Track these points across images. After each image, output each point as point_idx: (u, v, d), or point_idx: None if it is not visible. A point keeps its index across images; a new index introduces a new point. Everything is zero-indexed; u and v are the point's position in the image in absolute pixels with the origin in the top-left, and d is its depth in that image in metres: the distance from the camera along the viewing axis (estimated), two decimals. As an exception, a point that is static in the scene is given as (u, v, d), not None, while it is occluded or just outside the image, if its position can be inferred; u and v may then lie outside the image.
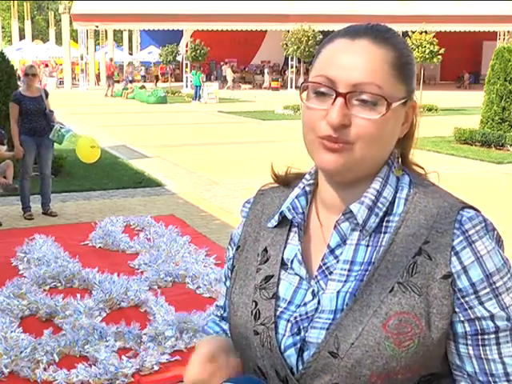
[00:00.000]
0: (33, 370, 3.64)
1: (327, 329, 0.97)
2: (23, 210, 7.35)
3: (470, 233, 0.96)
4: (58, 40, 50.44)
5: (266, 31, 38.45)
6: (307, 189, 1.10)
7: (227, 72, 38.18)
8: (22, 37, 53.07)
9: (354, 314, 0.96)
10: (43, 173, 7.35)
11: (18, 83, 10.37)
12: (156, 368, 3.74)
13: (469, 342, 0.97)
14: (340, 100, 0.96)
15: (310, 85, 1.00)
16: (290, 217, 1.08)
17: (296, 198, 1.09)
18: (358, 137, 0.96)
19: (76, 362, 3.76)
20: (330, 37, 1.03)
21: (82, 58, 38.08)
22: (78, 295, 4.70)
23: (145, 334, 4.08)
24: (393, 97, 0.97)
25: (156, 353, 3.85)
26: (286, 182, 1.16)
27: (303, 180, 1.11)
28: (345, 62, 0.97)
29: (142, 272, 5.34)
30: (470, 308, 0.96)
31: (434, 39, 23.50)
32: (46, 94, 7.39)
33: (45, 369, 3.66)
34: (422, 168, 1.11)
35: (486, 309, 0.96)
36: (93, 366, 3.67)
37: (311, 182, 1.10)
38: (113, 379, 3.57)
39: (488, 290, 0.96)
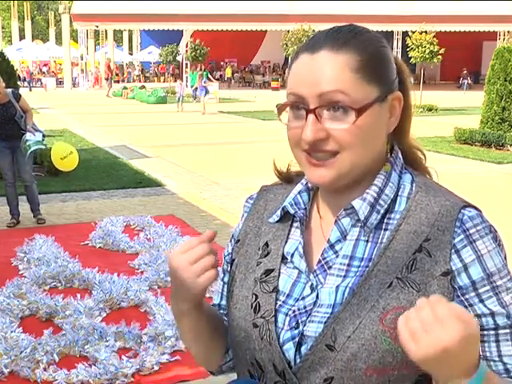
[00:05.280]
0: (33, 370, 3.64)
1: (325, 322, 0.98)
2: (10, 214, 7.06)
3: (471, 232, 0.97)
4: (58, 40, 50.49)
5: (266, 31, 38.50)
6: (309, 185, 1.10)
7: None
8: (22, 37, 53.10)
9: (351, 307, 0.97)
10: (22, 178, 6.88)
11: (18, 83, 10.40)
12: (156, 368, 3.74)
13: None
14: (311, 116, 0.97)
15: (285, 103, 1.02)
16: (292, 211, 1.08)
17: (298, 193, 1.10)
18: (339, 146, 0.97)
19: (76, 361, 3.75)
20: (296, 53, 1.04)
21: (82, 58, 38.12)
22: (78, 295, 4.70)
23: (145, 334, 4.08)
24: (363, 100, 0.96)
25: (156, 353, 3.85)
26: (288, 178, 1.17)
27: (306, 176, 1.11)
28: (308, 77, 0.98)
29: (142, 272, 5.34)
30: (470, 305, 0.96)
31: (434, 39, 23.54)
32: (18, 97, 6.74)
33: (45, 369, 3.66)
34: (422, 152, 1.11)
35: (486, 306, 0.96)
36: (93, 366, 3.67)
37: None
38: (113, 379, 3.57)
39: (488, 287, 0.96)
